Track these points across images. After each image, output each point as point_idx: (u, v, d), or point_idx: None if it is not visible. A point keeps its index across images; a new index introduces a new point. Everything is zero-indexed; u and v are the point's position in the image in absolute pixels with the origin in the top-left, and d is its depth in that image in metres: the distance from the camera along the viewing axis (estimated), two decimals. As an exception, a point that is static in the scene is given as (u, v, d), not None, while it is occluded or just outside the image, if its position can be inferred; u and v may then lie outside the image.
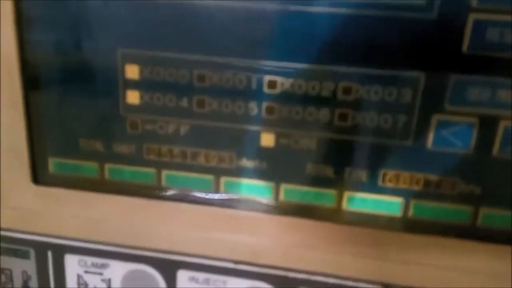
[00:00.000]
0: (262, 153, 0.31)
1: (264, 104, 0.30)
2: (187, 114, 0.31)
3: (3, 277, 0.37)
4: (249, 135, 0.31)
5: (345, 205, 0.32)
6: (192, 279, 0.35)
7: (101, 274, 0.36)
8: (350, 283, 0.32)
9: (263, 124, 0.31)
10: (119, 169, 0.34)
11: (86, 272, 0.36)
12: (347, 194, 0.31)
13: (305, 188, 0.32)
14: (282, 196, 0.32)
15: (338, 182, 0.31)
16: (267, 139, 0.31)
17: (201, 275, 0.35)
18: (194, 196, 0.33)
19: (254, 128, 0.31)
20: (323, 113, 0.30)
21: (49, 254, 0.36)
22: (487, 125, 0.28)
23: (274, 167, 0.32)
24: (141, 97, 0.31)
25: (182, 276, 0.35)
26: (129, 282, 0.36)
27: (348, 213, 0.32)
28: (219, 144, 0.32)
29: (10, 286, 0.38)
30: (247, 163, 0.32)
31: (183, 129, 0.32)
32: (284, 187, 0.32)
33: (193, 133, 0.32)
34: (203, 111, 0.31)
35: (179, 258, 0.34)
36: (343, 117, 0.30)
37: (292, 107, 0.30)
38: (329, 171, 0.31)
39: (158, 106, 0.31)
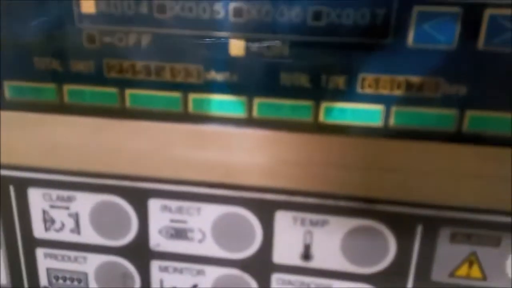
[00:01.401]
0: (232, 64, 0.29)
1: (232, 5, 0.27)
2: (148, 22, 0.29)
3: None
4: (217, 44, 0.28)
5: (322, 117, 0.29)
6: (165, 208, 0.33)
7: (67, 208, 0.34)
8: (331, 202, 0.30)
9: (231, 29, 0.28)
10: (79, 90, 0.31)
11: (51, 207, 0.34)
12: (324, 105, 0.29)
13: (279, 101, 0.29)
14: (255, 112, 0.30)
15: (314, 92, 0.29)
16: (237, 47, 0.29)
17: (173, 203, 0.32)
18: (161, 115, 0.31)
19: (221, 34, 0.28)
20: (296, 12, 0.27)
21: (11, 189, 0.34)
22: (471, 14, 0.25)
23: (246, 80, 0.29)
24: (97, 5, 0.29)
25: (154, 206, 0.33)
26: (98, 215, 0.34)
27: (326, 126, 0.29)
28: (185, 56, 0.29)
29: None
30: (216, 76, 0.29)
31: (145, 40, 0.29)
32: (257, 101, 0.30)
33: (156, 44, 0.29)
34: (164, 17, 0.28)
35: (149, 185, 0.32)
36: (317, 15, 0.27)
37: (262, 7, 0.27)
38: (304, 80, 0.29)
39: (116, 14, 0.29)
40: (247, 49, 0.28)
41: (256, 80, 0.29)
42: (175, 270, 0.34)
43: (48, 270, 0.36)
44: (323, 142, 0.29)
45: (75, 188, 0.33)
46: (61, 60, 0.31)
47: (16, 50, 0.31)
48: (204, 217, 0.32)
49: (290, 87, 0.29)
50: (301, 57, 0.28)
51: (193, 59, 0.29)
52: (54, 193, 0.33)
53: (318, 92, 0.29)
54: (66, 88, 0.31)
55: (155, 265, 0.34)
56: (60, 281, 0.36)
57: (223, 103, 0.30)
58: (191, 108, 0.30)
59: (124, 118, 0.31)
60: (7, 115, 0.32)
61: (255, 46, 0.28)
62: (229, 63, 0.29)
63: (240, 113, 0.30)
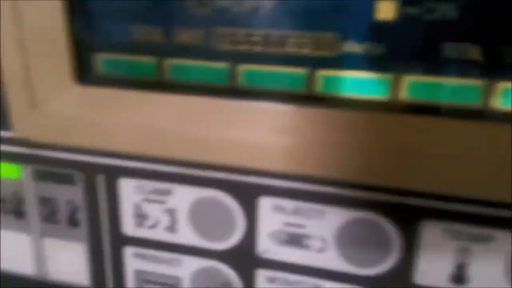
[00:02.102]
0: (377, 32, 0.22)
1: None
2: (273, -22, 0.23)
3: (43, 209, 0.31)
4: (359, 4, 0.22)
5: (497, 102, 0.22)
6: (278, 208, 0.27)
7: (163, 202, 0.29)
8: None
9: (381, -14, 0.21)
10: (182, 65, 0.26)
11: (145, 200, 0.29)
12: (501, 86, 0.22)
13: (438, 80, 0.22)
14: (404, 93, 0.23)
15: (488, 68, 0.22)
16: (386, 9, 0.22)
17: (288, 203, 0.27)
18: (281, 96, 0.25)
19: (366, -7, 0.22)
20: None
21: (100, 178, 0.29)
22: None
23: (394, 52, 0.23)
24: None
25: (265, 205, 0.27)
26: (199, 212, 0.28)
27: (499, 113, 0.22)
28: (314, 22, 0.23)
29: (53, 219, 0.31)
30: (355, 47, 0.23)
31: (265, 3, 0.23)
32: (408, 79, 0.23)
33: (278, 8, 0.23)
34: (295, -29, 0.22)
35: (261, 181, 0.26)
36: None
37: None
38: (475, 53, 0.22)
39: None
40: (400, 11, 0.22)
41: (408, 53, 0.22)
42: (286, 282, 0.28)
43: (137, 272, 0.31)
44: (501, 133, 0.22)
45: (174, 180, 0.28)
46: (164, 30, 0.25)
47: (110, 17, 0.26)
48: (327, 222, 0.26)
49: (454, 62, 0.22)
50: (475, 21, 0.21)
51: (326, 26, 0.23)
52: (149, 185, 0.28)
53: (493, 69, 0.22)
54: (168, 62, 0.26)
55: (261, 275, 0.29)
56: (150, 285, 0.31)
57: (362, 82, 0.24)
58: (319, 88, 0.24)
59: (235, 99, 0.25)
60: (98, 92, 0.27)
61: (411, 7, 0.22)
62: (373, 30, 0.22)
63: (383, 95, 0.23)
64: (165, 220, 0.29)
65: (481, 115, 0.23)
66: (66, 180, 0.30)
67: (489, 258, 0.24)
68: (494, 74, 0.22)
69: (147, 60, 0.26)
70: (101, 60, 0.27)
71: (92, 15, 0.26)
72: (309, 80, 0.24)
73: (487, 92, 0.22)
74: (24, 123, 0.27)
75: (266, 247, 0.28)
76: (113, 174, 0.29)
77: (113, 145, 0.27)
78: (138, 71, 0.27)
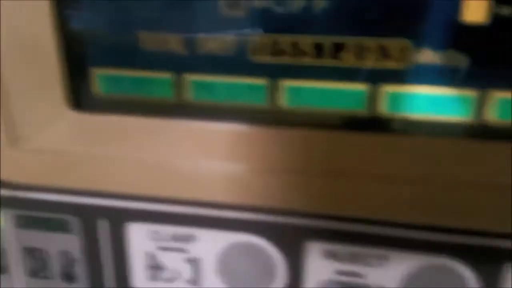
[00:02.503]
0: (462, 37, 0.18)
1: None
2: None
3: (32, 262, 0.25)
4: (440, 3, 0.17)
5: None
6: (329, 254, 0.22)
7: (183, 251, 0.23)
8: None
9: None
10: (206, 82, 0.21)
11: (161, 248, 0.23)
12: None
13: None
14: (491, 114, 0.19)
15: None
16: (474, 10, 0.17)
17: (341, 248, 0.22)
18: (329, 119, 0.20)
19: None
20: None
21: (102, 224, 0.24)
22: None
23: (483, 63, 0.18)
24: None
25: (313, 251, 0.22)
26: (230, 262, 0.23)
27: None
28: (381, 26, 0.18)
29: (43, 274, 0.25)
30: (431, 57, 0.18)
31: (320, 2, 0.18)
32: (497, 97, 0.18)
33: (335, 8, 0.18)
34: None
35: (306, 223, 0.21)
36: None
37: None
38: None
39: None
40: (494, 11, 0.17)
41: (500, 64, 0.18)
42: None
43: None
44: None
45: (198, 224, 0.22)
46: (183, 37, 0.20)
47: (112, 20, 0.20)
48: (388, 271, 0.21)
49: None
50: None
51: (396, 30, 0.18)
52: (166, 230, 0.23)
53: None
54: (188, 78, 0.21)
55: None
56: None
57: (437, 101, 0.19)
58: (382, 108, 0.19)
59: (274, 125, 0.20)
60: (96, 119, 0.21)
61: (509, 7, 0.17)
62: (457, 35, 0.18)
63: (465, 117, 0.19)
64: (186, 271, 0.24)
65: None
66: (58, 227, 0.24)
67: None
68: None
69: (161, 76, 0.21)
70: (100, 77, 0.21)
71: (87, 17, 0.20)
72: (371, 98, 0.19)
73: None
74: (4, 164, 0.21)
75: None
76: (120, 219, 0.23)
77: (118, 186, 0.22)
78: (148, 91, 0.21)
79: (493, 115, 0.19)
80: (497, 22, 0.17)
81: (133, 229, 0.23)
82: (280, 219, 0.21)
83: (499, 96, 0.19)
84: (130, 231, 0.23)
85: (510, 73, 0.18)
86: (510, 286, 0.20)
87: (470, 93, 0.19)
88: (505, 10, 0.17)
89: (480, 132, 0.19)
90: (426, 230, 0.20)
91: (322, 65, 0.19)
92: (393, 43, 0.19)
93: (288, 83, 0.20)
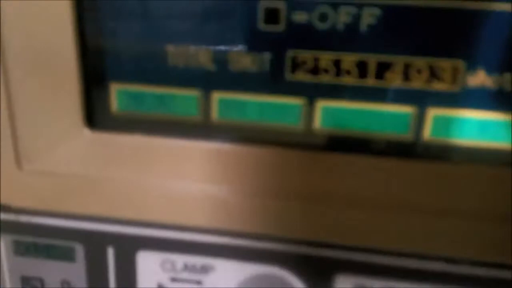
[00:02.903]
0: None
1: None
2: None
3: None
4: (497, 23, 0.16)
5: None
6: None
7: (199, 283, 0.21)
8: None
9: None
10: (237, 101, 0.19)
11: (173, 280, 0.21)
12: None
13: None
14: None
15: None
16: (537, 30, 0.16)
17: (370, 282, 0.20)
18: (370, 143, 0.18)
19: (507, 8, 0.16)
20: None
21: (110, 252, 0.21)
22: None
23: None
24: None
25: (342, 284, 0.20)
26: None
27: None
28: (431, 44, 0.17)
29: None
30: (486, 80, 0.17)
31: (367, 18, 0.17)
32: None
33: (385, 24, 0.17)
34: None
35: (334, 254, 0.20)
36: None
37: None
38: None
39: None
40: (556, 33, 0.16)
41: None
42: None
43: None
44: None
45: (216, 254, 0.20)
46: (213, 51, 0.18)
47: (137, 32, 0.18)
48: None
49: None
50: None
51: (448, 50, 0.17)
52: (181, 260, 0.21)
53: None
54: (216, 96, 0.19)
55: None
56: None
57: (489, 125, 0.18)
58: (428, 133, 0.18)
59: (305, 149, 0.19)
60: (112, 139, 0.19)
61: None
62: (515, 58, 0.16)
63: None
64: (202, 306, 0.21)
65: None
66: (60, 254, 0.22)
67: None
68: None
69: (187, 93, 0.19)
70: (120, 93, 0.20)
71: (110, 29, 0.19)
72: (418, 123, 0.18)
73: None
74: (7, 186, 0.19)
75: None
76: (129, 247, 0.21)
77: (133, 213, 0.20)
78: (172, 110, 0.19)
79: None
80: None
81: (144, 258, 0.21)
82: (306, 250, 0.19)
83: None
84: (141, 260, 0.21)
85: None
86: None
87: (523, 119, 0.17)
88: None
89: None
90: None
91: (364, 86, 0.18)
92: (445, 64, 0.17)
93: (325, 104, 0.18)
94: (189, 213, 0.20)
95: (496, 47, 0.17)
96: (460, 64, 0.17)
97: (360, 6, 0.17)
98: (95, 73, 0.19)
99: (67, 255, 0.22)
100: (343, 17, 0.17)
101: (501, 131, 0.18)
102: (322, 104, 0.19)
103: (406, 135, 0.18)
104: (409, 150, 0.19)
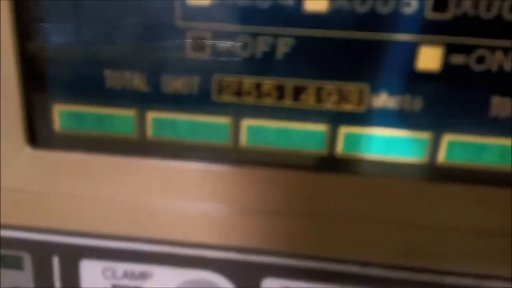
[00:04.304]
0: (417, 83, 0.19)
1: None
2: (290, 19, 0.18)
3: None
4: (397, 52, 0.18)
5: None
6: (286, 291, 0.22)
7: (138, 289, 0.23)
8: None
9: (425, 30, 0.18)
10: (170, 120, 0.21)
11: (114, 286, 0.23)
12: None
13: (484, 141, 0.19)
14: (442, 156, 0.20)
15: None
16: (429, 58, 0.18)
17: (291, 284, 0.22)
18: (292, 158, 0.20)
19: (406, 38, 0.18)
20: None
21: (55, 260, 0.23)
22: None
23: (435, 108, 0.19)
24: (215, -8, 0.18)
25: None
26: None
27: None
28: (341, 70, 0.19)
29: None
30: (389, 101, 0.19)
31: (282, 47, 0.19)
32: (447, 139, 0.19)
33: (299, 52, 0.19)
34: (317, 11, 0.18)
35: (265, 259, 0.21)
36: None
37: (482, -2, 0.17)
38: (531, 109, 0.19)
39: (241, 7, 0.19)
40: (446, 60, 0.18)
41: (451, 109, 0.19)
42: None
43: None
44: None
45: (153, 261, 0.22)
46: (147, 75, 0.20)
47: (76, 58, 0.20)
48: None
49: (505, 120, 0.19)
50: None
51: (355, 75, 0.19)
52: (124, 268, 0.23)
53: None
54: (151, 116, 0.21)
55: None
56: None
57: (393, 142, 0.20)
58: (340, 148, 0.20)
59: (235, 164, 0.21)
60: (55, 156, 0.21)
61: (459, 56, 0.18)
62: (413, 81, 0.19)
63: (419, 158, 0.20)
64: (142, 310, 0.23)
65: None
66: (9, 263, 0.23)
67: None
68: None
69: (123, 113, 0.21)
70: (61, 113, 0.21)
71: (51, 54, 0.20)
72: (331, 139, 0.20)
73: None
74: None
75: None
76: (73, 256, 0.23)
77: (78, 224, 0.21)
78: (110, 128, 0.21)
79: (443, 156, 0.20)
80: (448, 70, 0.19)
81: (87, 266, 0.23)
82: (236, 256, 0.21)
83: (450, 138, 0.20)
84: (84, 269, 0.23)
85: (460, 116, 0.19)
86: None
87: (423, 135, 0.20)
88: (456, 59, 0.18)
89: (433, 172, 0.20)
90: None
91: (284, 107, 0.20)
92: (352, 87, 0.19)
93: (249, 122, 0.20)
94: (125, 223, 0.21)
95: (396, 72, 0.19)
96: (365, 87, 0.19)
97: (276, 37, 0.19)
98: (38, 95, 0.21)
99: (15, 264, 0.23)
100: (261, 46, 0.19)
101: (405, 146, 0.20)
102: (246, 123, 0.21)
103: (322, 151, 0.21)
104: (324, 164, 0.21)
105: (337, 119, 0.20)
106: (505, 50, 0.18)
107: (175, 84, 0.20)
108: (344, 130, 0.20)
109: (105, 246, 0.22)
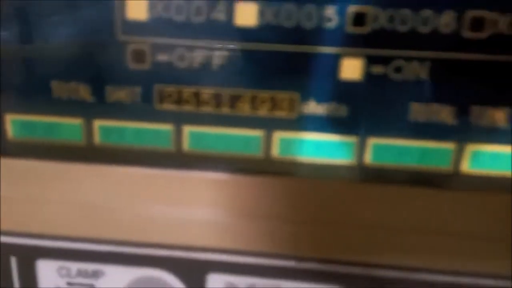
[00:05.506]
0: (341, 92, 0.20)
1: (351, 9, 0.19)
2: (224, 33, 0.20)
3: None
4: (322, 63, 0.20)
5: (467, 165, 0.21)
6: (230, 286, 0.24)
7: (92, 286, 0.24)
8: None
9: (346, 42, 0.19)
10: (116, 128, 0.22)
11: (69, 284, 0.24)
12: (471, 148, 0.20)
13: (405, 143, 0.21)
14: (368, 157, 0.21)
15: (459, 131, 0.20)
16: (351, 69, 0.20)
17: (241, 280, 0.23)
18: (232, 161, 0.22)
19: (329, 50, 0.20)
20: (446, 20, 0.19)
21: (13, 260, 0.24)
22: None
23: (359, 114, 0.21)
24: (150, 8, 0.20)
25: (215, 283, 0.24)
26: (135, 296, 0.24)
27: (471, 178, 0.21)
28: (273, 80, 0.21)
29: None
30: (317, 108, 0.21)
31: (217, 59, 0.20)
32: (372, 142, 0.21)
33: (233, 64, 0.20)
34: (247, 26, 0.20)
35: (210, 256, 0.23)
36: (477, 23, 0.19)
37: (396, 13, 0.19)
38: (446, 115, 0.20)
39: (177, 22, 0.20)
40: (366, 70, 0.20)
41: (374, 114, 0.21)
42: None
43: None
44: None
45: (104, 260, 0.24)
46: (93, 86, 0.21)
47: (25, 71, 0.21)
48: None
49: (423, 124, 0.20)
50: (446, 82, 0.20)
51: (286, 84, 0.21)
52: (74, 266, 0.24)
53: (464, 131, 0.20)
54: (98, 124, 0.22)
55: None
56: None
57: (323, 145, 0.21)
58: (276, 152, 0.22)
59: (179, 167, 0.22)
60: (9, 163, 0.22)
61: (378, 66, 0.20)
62: (336, 90, 0.20)
63: (348, 159, 0.21)
64: (95, 307, 0.25)
65: (451, 180, 0.21)
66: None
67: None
68: (465, 136, 0.20)
69: (71, 122, 0.22)
70: (13, 122, 0.22)
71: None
72: (266, 142, 0.22)
73: (458, 155, 0.21)
74: None
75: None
76: (29, 256, 0.24)
77: (33, 226, 0.23)
78: (59, 136, 0.22)
79: (370, 158, 0.21)
80: (369, 79, 0.20)
81: (43, 266, 0.24)
82: (177, 253, 0.23)
83: (374, 142, 0.21)
84: (40, 268, 0.24)
85: (383, 121, 0.21)
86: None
87: (349, 139, 0.21)
88: (375, 69, 0.20)
89: (359, 173, 0.22)
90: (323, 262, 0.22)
91: (221, 114, 0.21)
92: (284, 96, 0.21)
93: (191, 129, 0.22)
94: (76, 225, 0.23)
95: (322, 82, 0.21)
96: (295, 95, 0.21)
97: (211, 50, 0.20)
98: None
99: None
100: (197, 58, 0.21)
101: (335, 150, 0.22)
102: (188, 129, 0.22)
103: (259, 155, 0.22)
104: (261, 167, 0.22)
105: (271, 125, 0.21)
106: (421, 60, 0.20)
107: (118, 94, 0.21)
108: (278, 135, 0.22)
109: (59, 247, 0.24)
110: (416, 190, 0.21)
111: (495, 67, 0.19)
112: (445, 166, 0.21)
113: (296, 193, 0.22)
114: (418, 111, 0.20)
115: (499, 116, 0.20)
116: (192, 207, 0.22)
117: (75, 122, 0.22)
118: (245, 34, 0.20)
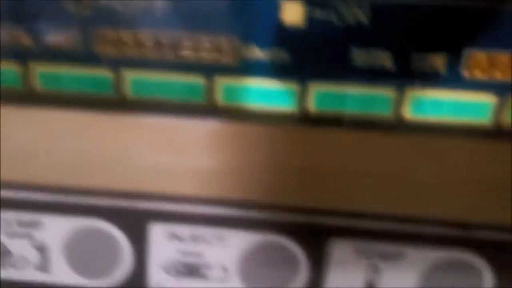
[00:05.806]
0: (283, 37, 0.20)
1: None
2: (165, -28, 0.19)
3: None
4: (264, 7, 0.20)
5: (408, 112, 0.21)
6: (173, 236, 0.23)
7: (31, 237, 0.24)
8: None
9: (287, -15, 0.19)
10: (54, 73, 0.21)
11: (8, 235, 0.24)
12: (412, 94, 0.21)
13: (347, 90, 0.21)
14: (312, 104, 0.21)
15: (399, 76, 0.21)
16: (293, 13, 0.20)
17: (183, 230, 0.23)
18: (176, 108, 0.21)
19: (271, -7, 0.20)
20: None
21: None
22: None
23: (301, 59, 0.21)
24: None
25: (156, 233, 0.23)
26: (76, 246, 0.24)
27: (412, 124, 0.21)
28: (214, 24, 0.20)
29: None
30: (259, 53, 0.21)
31: (159, 2, 0.20)
32: (314, 89, 0.21)
33: (173, 7, 0.20)
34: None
35: (150, 205, 0.23)
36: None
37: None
38: (385, 59, 0.20)
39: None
40: (308, 15, 0.20)
41: (315, 60, 0.21)
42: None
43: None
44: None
45: (43, 210, 0.23)
46: (30, 29, 0.21)
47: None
48: (228, 248, 0.23)
49: (364, 70, 0.20)
50: (385, 26, 0.20)
51: (226, 28, 0.20)
52: (12, 216, 0.23)
53: (404, 77, 0.20)
54: (36, 69, 0.21)
55: (154, 313, 0.25)
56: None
57: (265, 92, 0.21)
58: (220, 98, 0.21)
59: (120, 113, 0.22)
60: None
61: (319, 11, 0.20)
62: (278, 35, 0.20)
63: (290, 107, 0.21)
64: (35, 258, 0.24)
65: (392, 126, 0.21)
66: None
67: (399, 276, 0.23)
68: (405, 81, 0.21)
69: (9, 67, 0.22)
70: None
71: None
72: (209, 90, 0.21)
73: (398, 101, 0.21)
74: None
75: (159, 280, 0.24)
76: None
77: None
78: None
79: (313, 105, 0.21)
80: (312, 24, 0.20)
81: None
82: (123, 203, 0.22)
83: (316, 88, 0.21)
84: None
85: (324, 67, 0.21)
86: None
87: (292, 86, 0.21)
88: (318, 14, 0.20)
89: (303, 120, 0.22)
90: (259, 209, 0.22)
91: (162, 59, 0.21)
92: (225, 40, 0.21)
93: (132, 74, 0.21)
94: (26, 171, 0.22)
95: (264, 26, 0.20)
96: (236, 41, 0.21)
97: (151, -9, 0.20)
98: None
99: None
100: (138, 1, 0.20)
101: (279, 96, 0.21)
102: (129, 75, 0.22)
103: (202, 102, 0.22)
104: (205, 113, 0.22)
105: (214, 70, 0.21)
106: (361, 4, 0.20)
107: (57, 37, 0.21)
108: (221, 82, 0.21)
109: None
110: (358, 134, 0.21)
111: (435, 12, 0.19)
112: (386, 111, 0.21)
113: (240, 138, 0.22)
114: (359, 56, 0.20)
115: (439, 62, 0.20)
116: (134, 152, 0.22)
117: (13, 67, 0.21)
118: (185, -25, 0.20)
